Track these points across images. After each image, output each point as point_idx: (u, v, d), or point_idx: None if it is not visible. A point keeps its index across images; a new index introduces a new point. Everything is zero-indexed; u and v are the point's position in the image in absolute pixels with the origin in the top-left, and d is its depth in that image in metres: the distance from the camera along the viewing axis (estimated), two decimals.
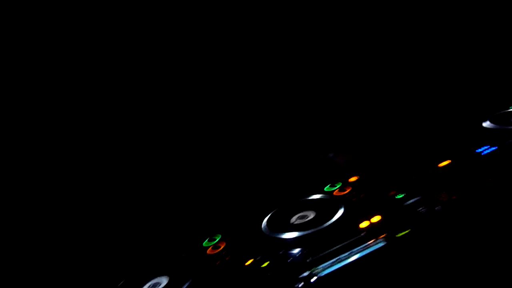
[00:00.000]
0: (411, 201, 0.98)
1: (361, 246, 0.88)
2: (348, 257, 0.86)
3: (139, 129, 1.29)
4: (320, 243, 0.93)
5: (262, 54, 1.37)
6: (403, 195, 1.02)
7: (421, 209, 0.93)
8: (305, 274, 0.84)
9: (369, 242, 0.88)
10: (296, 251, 0.94)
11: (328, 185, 1.23)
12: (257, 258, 0.95)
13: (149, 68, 1.27)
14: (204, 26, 1.29)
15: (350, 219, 0.99)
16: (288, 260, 0.91)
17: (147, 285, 0.96)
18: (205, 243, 1.10)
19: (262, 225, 1.08)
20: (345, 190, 1.16)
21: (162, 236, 1.24)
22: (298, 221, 1.04)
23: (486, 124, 1.23)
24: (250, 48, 1.35)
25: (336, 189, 1.19)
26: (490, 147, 1.09)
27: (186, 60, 1.30)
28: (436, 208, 0.92)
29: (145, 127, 1.29)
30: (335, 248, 0.90)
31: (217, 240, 1.10)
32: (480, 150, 1.10)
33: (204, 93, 1.33)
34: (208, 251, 1.06)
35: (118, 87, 1.26)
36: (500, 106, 1.34)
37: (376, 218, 0.96)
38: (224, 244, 1.07)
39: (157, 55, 1.28)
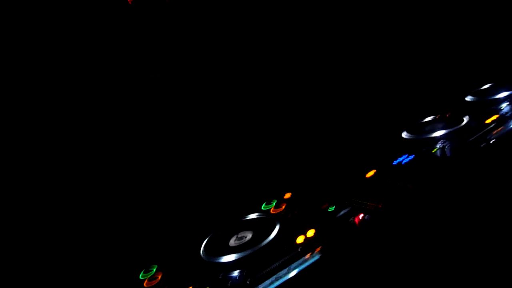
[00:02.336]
0: (342, 212, 1.02)
1: (298, 261, 0.90)
2: (287, 273, 0.87)
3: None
4: (259, 263, 0.93)
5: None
6: (334, 207, 1.05)
7: (351, 220, 0.97)
8: None
9: (305, 257, 0.90)
10: (235, 273, 0.93)
11: (265, 203, 1.25)
12: (196, 285, 0.93)
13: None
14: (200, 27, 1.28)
15: (286, 236, 1.00)
16: (228, 284, 0.90)
17: None
18: (141, 276, 1.06)
19: (200, 251, 1.06)
20: (281, 207, 1.18)
21: (93, 271, 1.17)
22: (236, 243, 1.03)
23: (404, 134, 1.32)
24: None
25: (272, 206, 1.20)
26: (408, 156, 1.17)
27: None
28: (365, 217, 0.96)
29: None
30: (273, 266, 0.91)
31: (153, 271, 1.06)
32: (400, 159, 1.17)
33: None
34: (145, 284, 1.02)
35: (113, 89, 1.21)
36: (416, 116, 1.46)
37: (311, 232, 0.98)
38: (161, 274, 1.04)
39: (153, 56, 1.26)
